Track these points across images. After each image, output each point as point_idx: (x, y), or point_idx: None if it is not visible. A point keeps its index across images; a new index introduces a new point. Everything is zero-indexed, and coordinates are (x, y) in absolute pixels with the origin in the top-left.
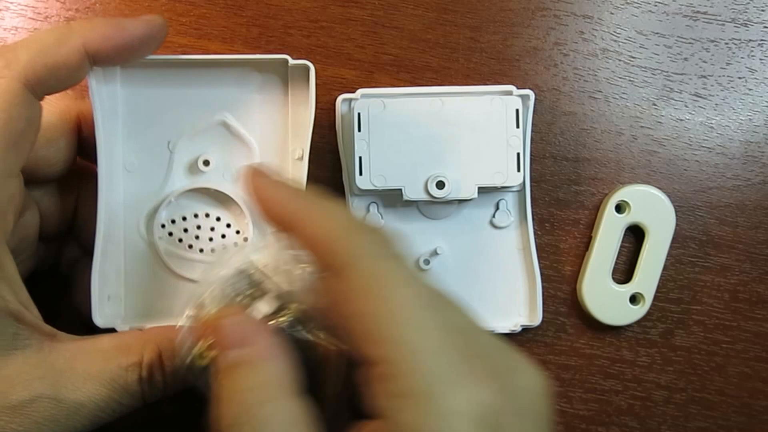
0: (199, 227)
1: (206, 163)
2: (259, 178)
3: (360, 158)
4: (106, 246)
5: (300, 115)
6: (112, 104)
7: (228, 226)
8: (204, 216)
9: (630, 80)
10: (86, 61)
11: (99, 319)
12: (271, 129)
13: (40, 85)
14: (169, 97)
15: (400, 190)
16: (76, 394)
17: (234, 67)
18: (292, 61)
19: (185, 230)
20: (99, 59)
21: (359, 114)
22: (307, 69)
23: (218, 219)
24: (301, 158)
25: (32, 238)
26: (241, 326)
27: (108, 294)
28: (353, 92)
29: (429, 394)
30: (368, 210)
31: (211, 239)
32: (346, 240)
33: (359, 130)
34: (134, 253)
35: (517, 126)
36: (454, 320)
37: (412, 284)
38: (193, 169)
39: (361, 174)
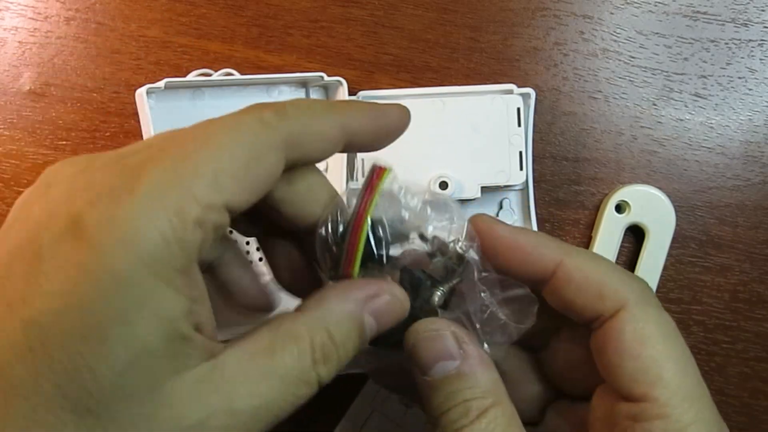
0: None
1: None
2: (498, 229)
3: (363, 160)
4: None
5: None
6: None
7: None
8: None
9: (630, 80)
10: (341, 140)
11: None
12: None
13: (293, 147)
14: (198, 118)
15: None
16: (250, 400)
17: (260, 85)
18: (327, 78)
19: None
20: (354, 143)
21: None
22: (339, 84)
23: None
24: (326, 170)
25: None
26: (451, 340)
27: None
28: (354, 92)
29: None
30: None
31: (247, 252)
32: (620, 285)
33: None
34: None
35: (519, 125)
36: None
37: (678, 335)
38: None
39: (363, 176)
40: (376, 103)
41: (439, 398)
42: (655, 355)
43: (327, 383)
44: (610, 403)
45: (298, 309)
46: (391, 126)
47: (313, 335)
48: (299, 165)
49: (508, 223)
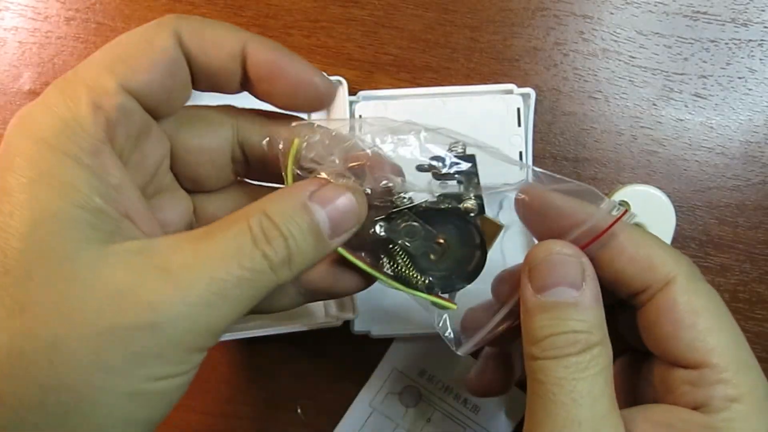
0: None
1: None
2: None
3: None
4: None
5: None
6: None
7: None
8: None
9: (630, 80)
10: (237, 55)
11: None
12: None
13: (188, 39)
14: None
15: None
16: (187, 272)
17: None
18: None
19: None
20: (253, 72)
21: (360, 116)
22: (339, 84)
23: None
24: None
25: (152, 168)
26: (579, 269)
27: None
28: (354, 92)
29: (758, 398)
30: None
31: None
32: (670, 258)
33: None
34: None
35: (519, 125)
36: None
37: (726, 309)
38: None
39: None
40: (287, 52)
41: (546, 320)
42: (710, 326)
43: (293, 274)
44: (665, 369)
45: None
46: (298, 77)
47: (250, 217)
48: (206, 72)
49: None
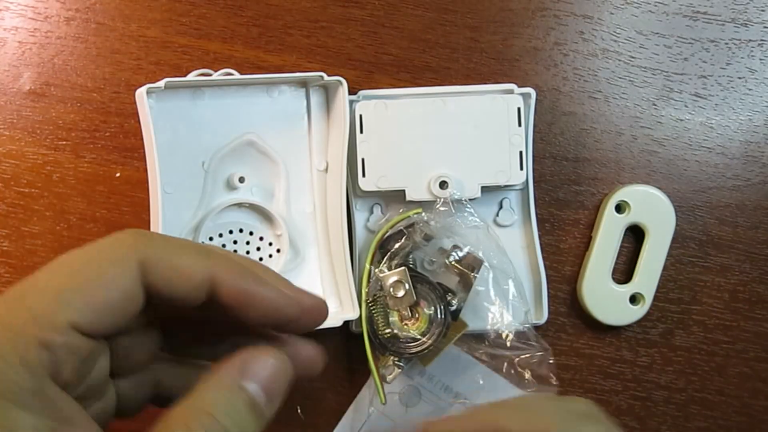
0: (236, 242)
1: (241, 179)
2: None
3: (363, 160)
4: None
5: (321, 126)
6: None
7: (261, 239)
8: (239, 231)
9: (630, 80)
10: (205, 283)
11: None
12: (295, 143)
13: (149, 272)
14: (198, 118)
15: (403, 191)
16: None
17: (260, 85)
18: (327, 78)
19: (234, 242)
20: (224, 297)
21: (361, 116)
22: (339, 84)
23: (251, 233)
24: (326, 170)
25: (102, 380)
26: None
27: None
28: (354, 92)
29: None
30: (372, 211)
31: (248, 252)
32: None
33: (361, 131)
34: None
35: (519, 124)
36: None
37: None
38: (229, 186)
39: (364, 176)
40: (263, 271)
41: None
42: None
43: None
44: None
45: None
46: (273, 305)
47: (191, 422)
48: (166, 301)
49: (509, 223)
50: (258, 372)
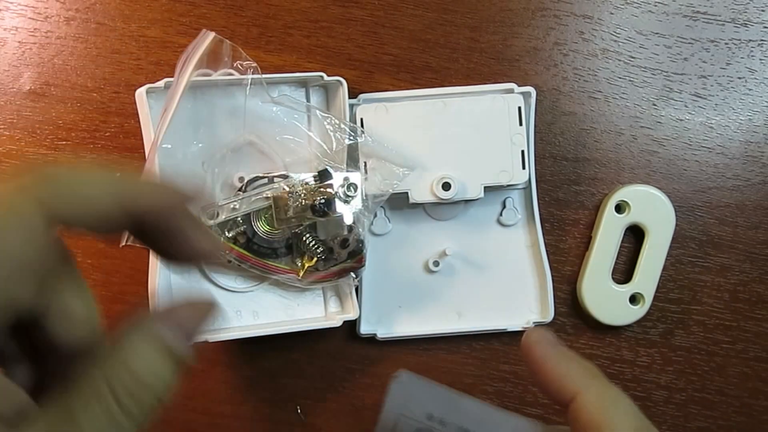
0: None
1: (241, 180)
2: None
3: (365, 163)
4: None
5: (322, 127)
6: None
7: None
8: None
9: (630, 80)
10: (119, 213)
11: None
12: (295, 143)
13: (55, 209)
14: (198, 118)
15: (406, 193)
16: None
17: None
18: (327, 78)
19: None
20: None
21: (362, 119)
22: (339, 84)
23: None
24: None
25: None
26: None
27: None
28: (354, 92)
29: None
30: (375, 214)
31: None
32: (578, 373)
33: (362, 134)
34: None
35: (520, 124)
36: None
37: (632, 406)
38: (229, 186)
39: (366, 179)
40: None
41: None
42: (621, 426)
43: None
44: None
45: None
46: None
47: (110, 379)
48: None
49: (512, 223)
50: (170, 315)
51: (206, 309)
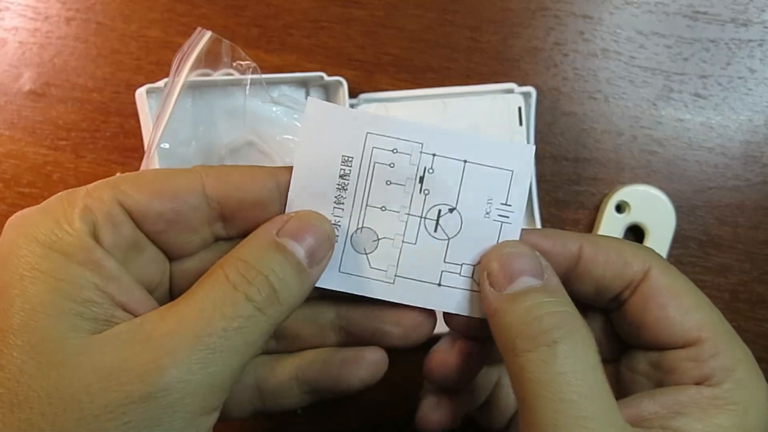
0: None
1: None
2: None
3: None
4: None
5: None
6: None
7: None
8: None
9: (630, 80)
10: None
11: None
12: (296, 143)
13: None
14: (198, 118)
15: None
16: (170, 337)
17: (260, 85)
18: (327, 78)
19: None
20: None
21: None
22: (339, 84)
23: None
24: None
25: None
26: (538, 260)
27: None
28: (354, 92)
29: (750, 364)
30: None
31: None
32: (639, 251)
33: None
34: None
35: (520, 124)
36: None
37: (696, 286)
38: None
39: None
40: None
41: (521, 309)
42: (694, 304)
43: (283, 310)
44: (656, 356)
45: None
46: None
47: (224, 266)
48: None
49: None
50: (298, 232)
51: (331, 235)
